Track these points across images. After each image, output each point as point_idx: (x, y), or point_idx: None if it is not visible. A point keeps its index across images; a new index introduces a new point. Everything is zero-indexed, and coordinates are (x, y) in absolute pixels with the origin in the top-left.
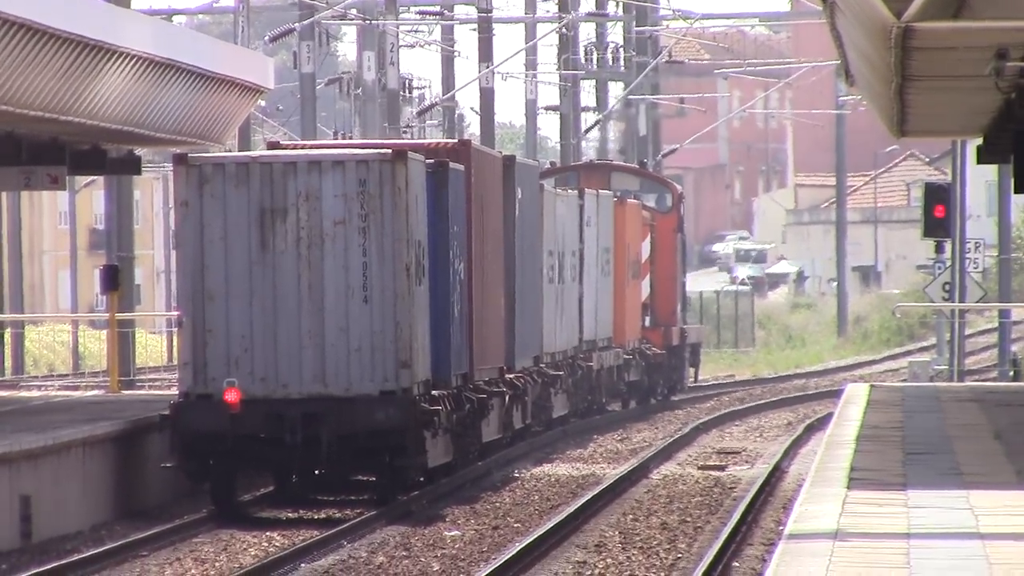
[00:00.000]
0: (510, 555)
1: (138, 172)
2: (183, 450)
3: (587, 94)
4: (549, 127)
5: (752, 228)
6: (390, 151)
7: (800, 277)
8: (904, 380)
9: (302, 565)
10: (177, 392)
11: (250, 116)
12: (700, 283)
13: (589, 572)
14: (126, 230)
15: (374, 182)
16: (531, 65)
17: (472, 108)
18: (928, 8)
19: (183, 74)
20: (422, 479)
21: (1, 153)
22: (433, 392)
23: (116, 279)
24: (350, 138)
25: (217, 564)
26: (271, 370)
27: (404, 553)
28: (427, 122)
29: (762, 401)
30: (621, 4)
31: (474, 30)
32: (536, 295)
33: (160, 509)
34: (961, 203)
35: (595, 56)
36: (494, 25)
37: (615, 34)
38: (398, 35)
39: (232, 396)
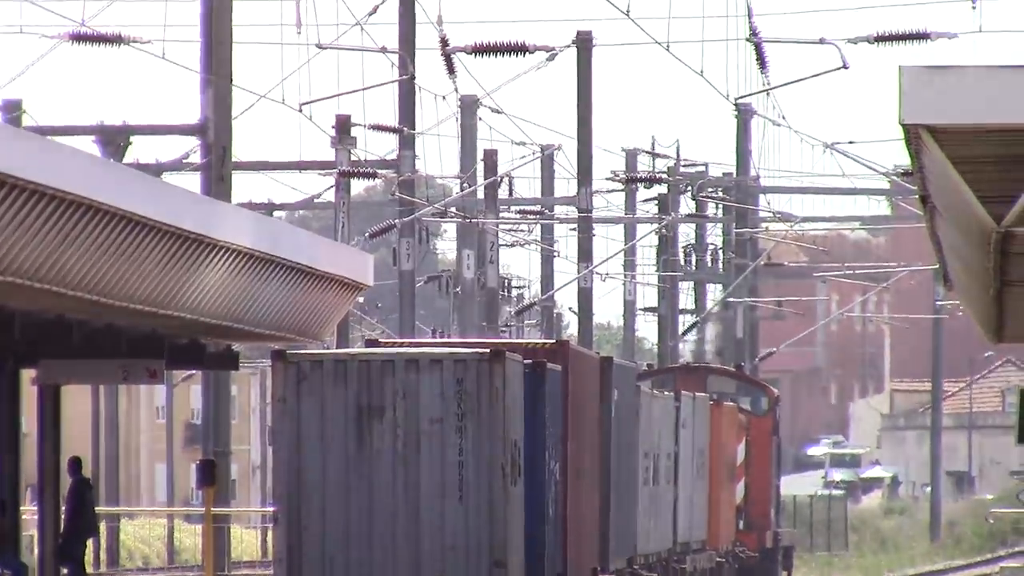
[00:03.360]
0: None
1: (236, 367)
2: None
3: (685, 295)
4: (647, 328)
5: (847, 432)
6: (488, 350)
7: (894, 482)
8: None
9: None
10: None
11: (349, 313)
12: (795, 486)
13: None
14: (223, 425)
15: (471, 381)
16: (630, 266)
17: (570, 308)
18: None
19: (282, 269)
20: None
21: (100, 346)
22: None
23: (212, 474)
24: (448, 336)
25: None
26: (366, 567)
27: None
28: (525, 321)
29: None
30: (721, 206)
31: (573, 230)
32: (631, 496)
33: None
34: None
35: (694, 257)
36: (594, 225)
37: (715, 235)
38: (497, 233)
39: None
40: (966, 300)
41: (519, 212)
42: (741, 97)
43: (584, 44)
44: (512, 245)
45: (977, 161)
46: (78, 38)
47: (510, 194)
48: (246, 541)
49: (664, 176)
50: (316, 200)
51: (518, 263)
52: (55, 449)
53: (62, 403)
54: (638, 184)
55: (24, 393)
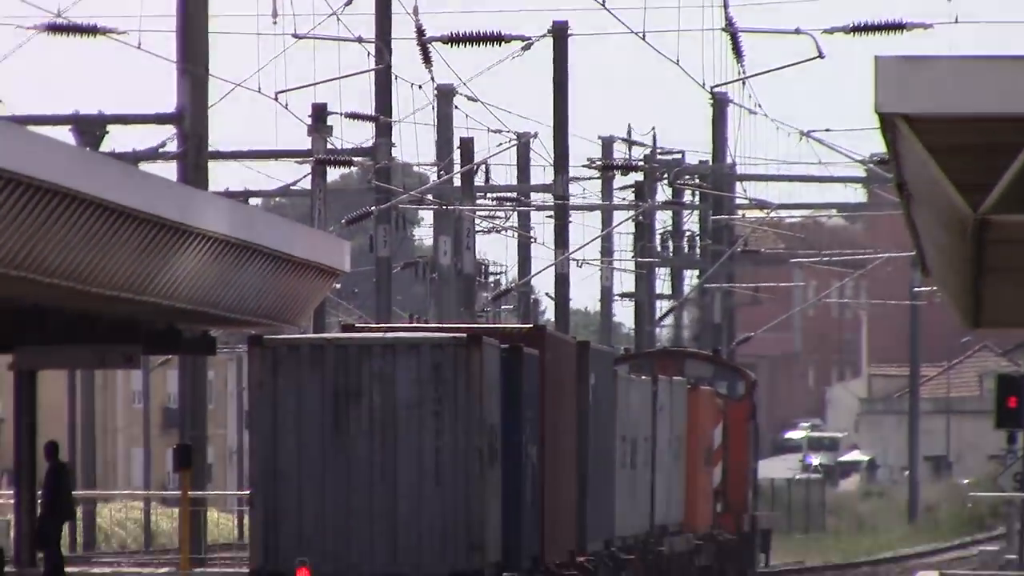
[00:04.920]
0: None
1: (213, 352)
2: None
3: (662, 281)
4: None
5: (825, 416)
6: (465, 335)
7: (872, 466)
8: (974, 569)
9: None
10: (248, 570)
11: (325, 298)
12: (772, 470)
13: None
14: (199, 409)
15: (448, 366)
16: (607, 252)
17: (547, 293)
18: (1005, 200)
19: (259, 256)
20: None
21: (76, 332)
22: (504, 574)
23: (189, 458)
24: (425, 322)
25: None
26: (343, 550)
27: None
28: (502, 306)
29: None
30: (698, 193)
31: (550, 216)
32: (608, 479)
33: None
34: None
35: (671, 244)
36: (570, 212)
37: (691, 222)
38: (474, 220)
39: (304, 575)
40: (943, 287)
41: (496, 199)
42: (717, 86)
43: (560, 33)
44: (489, 232)
45: (953, 149)
46: (54, 29)
47: (487, 181)
48: (223, 525)
49: (641, 164)
50: (292, 188)
51: (495, 249)
52: (31, 434)
53: (38, 388)
54: (615, 171)
55: (1, 379)
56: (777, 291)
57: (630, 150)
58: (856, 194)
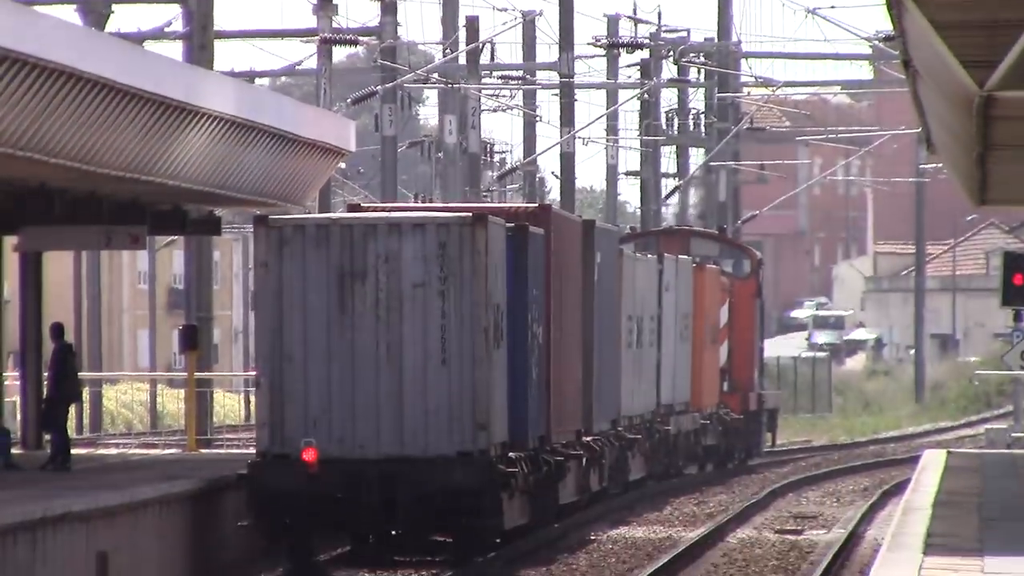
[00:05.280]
0: None
1: (218, 233)
2: (260, 509)
3: (668, 160)
4: (629, 192)
5: (831, 295)
6: (470, 214)
7: (878, 344)
8: (981, 447)
9: None
10: (254, 451)
11: (331, 178)
12: (778, 349)
13: None
14: (205, 290)
15: (454, 245)
16: (612, 130)
17: (553, 172)
18: (1010, 77)
19: (264, 136)
20: (498, 540)
21: (82, 212)
22: (510, 454)
23: (195, 339)
24: (431, 201)
25: None
26: (348, 430)
27: None
28: (508, 186)
29: (839, 467)
30: (703, 71)
31: (556, 95)
32: (614, 359)
33: (236, 568)
34: None
35: (676, 122)
36: (576, 90)
37: (697, 100)
38: (480, 99)
39: (310, 456)
40: (949, 164)
41: (501, 78)
42: None
43: None
44: (494, 111)
45: (959, 26)
46: None
47: (492, 60)
48: (228, 405)
49: (646, 42)
50: (298, 68)
51: (500, 129)
52: (37, 315)
53: (44, 270)
54: (620, 50)
55: (6, 260)
56: (782, 169)
57: (636, 28)
58: (862, 71)
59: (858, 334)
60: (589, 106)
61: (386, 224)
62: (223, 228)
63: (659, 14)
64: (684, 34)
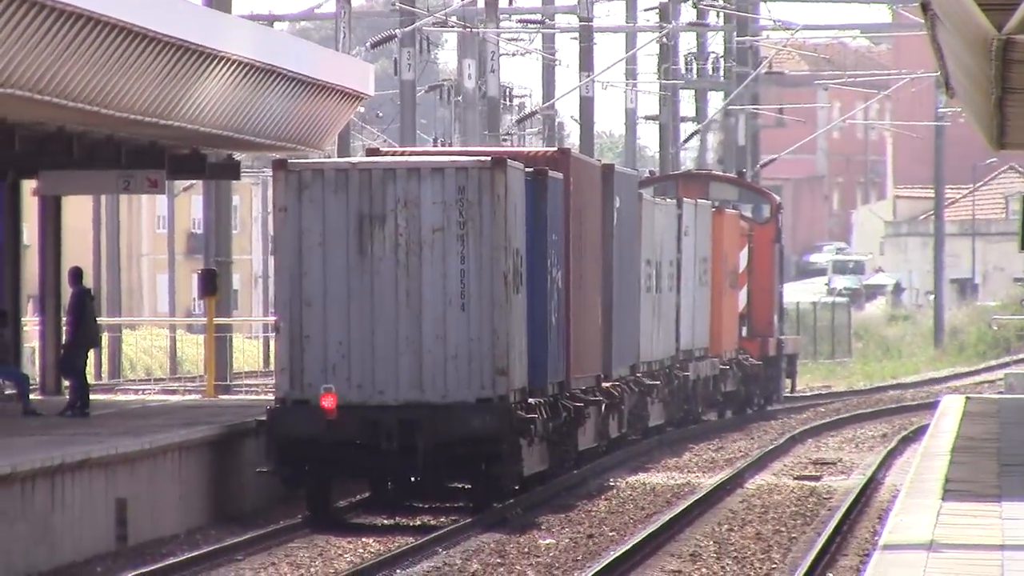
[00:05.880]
0: (604, 563)
1: (237, 177)
2: (279, 455)
3: (686, 104)
4: (648, 136)
5: (850, 239)
6: (489, 158)
7: (897, 289)
8: (1000, 392)
9: (397, 571)
10: (273, 397)
11: (350, 122)
12: (797, 294)
13: None
14: (224, 235)
15: (473, 189)
16: (631, 75)
17: (572, 117)
18: None
19: (283, 80)
20: (517, 487)
21: (101, 157)
22: (530, 400)
23: (214, 284)
24: (450, 145)
25: (312, 569)
26: (368, 377)
27: (499, 560)
28: (527, 130)
29: (858, 412)
30: (722, 14)
31: (575, 39)
32: (633, 304)
33: (255, 514)
34: None
35: (695, 66)
36: (595, 34)
37: (715, 44)
38: (498, 43)
39: (329, 402)
40: (968, 107)
41: (520, 21)
42: None
43: None
44: (513, 55)
45: None
46: None
47: (510, 3)
48: (248, 351)
49: None
50: (316, 11)
51: (520, 73)
52: (56, 260)
53: (62, 214)
54: None
55: (25, 204)
56: (801, 113)
57: None
58: (880, 14)
59: (877, 279)
60: (608, 50)
61: (405, 168)
62: (242, 172)
63: None
64: None
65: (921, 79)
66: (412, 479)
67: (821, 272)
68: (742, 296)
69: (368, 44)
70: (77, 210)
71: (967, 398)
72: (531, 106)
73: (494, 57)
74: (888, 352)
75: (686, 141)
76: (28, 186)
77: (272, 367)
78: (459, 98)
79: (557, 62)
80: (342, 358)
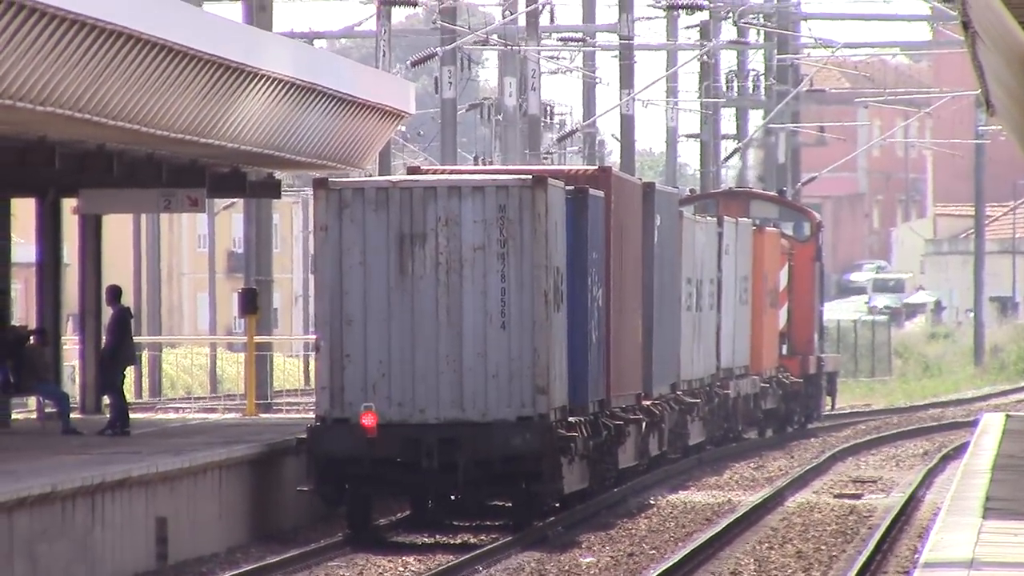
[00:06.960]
0: None
1: (278, 196)
2: (319, 474)
3: (727, 122)
4: (689, 154)
5: (890, 258)
6: (530, 177)
7: (938, 307)
8: None
9: None
10: (314, 416)
11: (390, 141)
12: (837, 312)
13: None
14: (265, 253)
15: (514, 208)
16: (672, 92)
17: (612, 135)
18: None
19: (324, 98)
20: (558, 505)
21: (141, 175)
22: (570, 418)
23: (254, 302)
24: (490, 163)
25: None
26: (408, 395)
27: None
28: (567, 148)
29: (898, 430)
30: (762, 32)
31: (615, 57)
32: (674, 322)
33: (295, 532)
34: None
35: (736, 84)
36: (635, 52)
37: (756, 62)
38: (539, 61)
39: (369, 420)
40: (1008, 125)
41: (561, 40)
42: None
43: None
44: (554, 73)
45: None
46: None
47: (552, 21)
48: (288, 370)
49: (705, 3)
50: (357, 29)
51: (560, 91)
52: (96, 279)
53: (103, 232)
54: (680, 11)
55: (66, 223)
56: (842, 131)
57: None
58: (921, 32)
59: (917, 297)
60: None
61: (446, 187)
62: (283, 191)
63: None
64: None
65: (961, 97)
66: (452, 497)
67: (861, 290)
68: (782, 314)
69: (409, 62)
70: (118, 229)
71: (1007, 416)
72: (572, 124)
73: (535, 75)
74: (928, 370)
75: (727, 159)
76: (68, 204)
77: (312, 385)
78: (500, 116)
79: (598, 80)
80: (382, 376)
